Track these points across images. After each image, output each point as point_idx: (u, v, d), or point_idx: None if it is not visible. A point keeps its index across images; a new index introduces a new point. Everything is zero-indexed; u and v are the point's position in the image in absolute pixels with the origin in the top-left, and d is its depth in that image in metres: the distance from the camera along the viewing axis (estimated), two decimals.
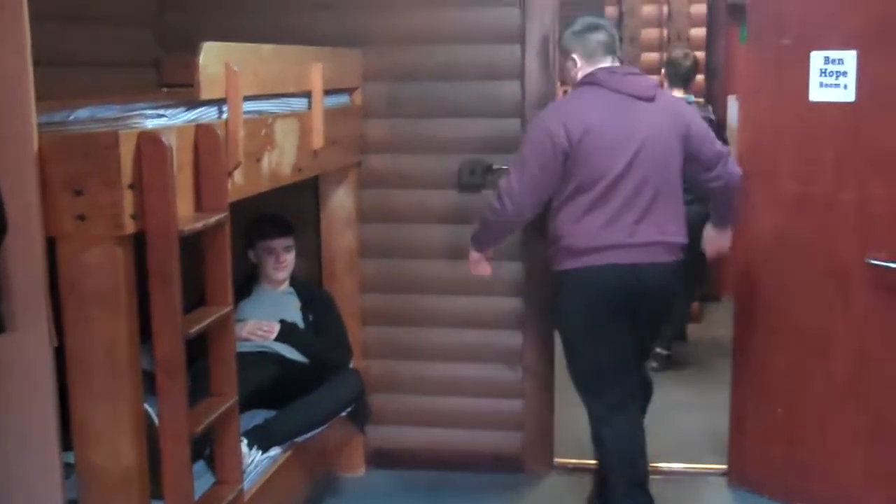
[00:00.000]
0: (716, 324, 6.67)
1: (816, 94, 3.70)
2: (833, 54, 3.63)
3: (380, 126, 4.24)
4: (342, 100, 4.02)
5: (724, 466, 4.28)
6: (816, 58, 3.68)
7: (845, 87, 3.63)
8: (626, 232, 3.48)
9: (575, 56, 3.64)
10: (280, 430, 3.43)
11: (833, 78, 3.65)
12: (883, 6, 3.57)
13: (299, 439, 3.54)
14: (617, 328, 3.57)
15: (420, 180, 4.26)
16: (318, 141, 3.53)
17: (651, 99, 3.55)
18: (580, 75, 3.63)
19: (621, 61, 3.75)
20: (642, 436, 3.74)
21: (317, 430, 3.62)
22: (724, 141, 4.66)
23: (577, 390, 3.74)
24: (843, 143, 3.70)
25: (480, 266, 3.88)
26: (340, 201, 4.22)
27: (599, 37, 3.61)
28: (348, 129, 4.05)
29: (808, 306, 3.87)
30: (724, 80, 6.94)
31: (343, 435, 4.13)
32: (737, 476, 4.20)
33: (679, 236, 3.61)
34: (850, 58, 3.61)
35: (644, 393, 3.93)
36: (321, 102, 3.54)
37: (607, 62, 3.61)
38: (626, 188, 3.46)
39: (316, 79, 3.51)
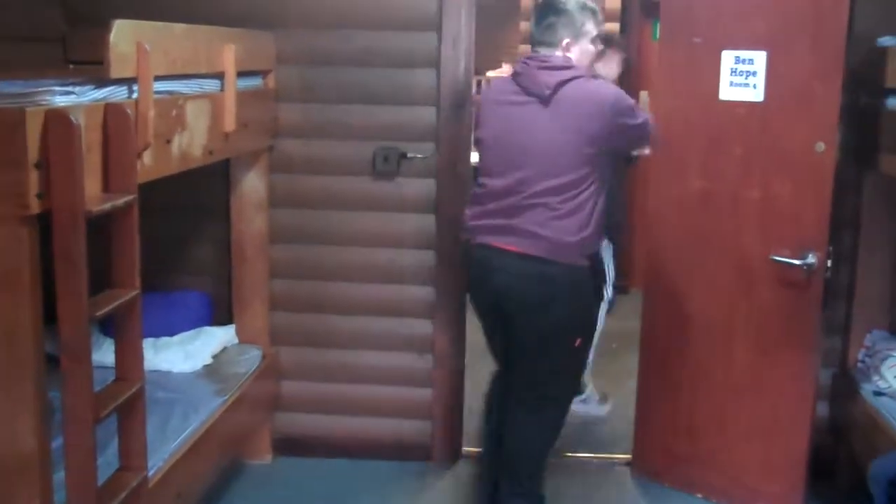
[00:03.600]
0: (624, 316, 6.74)
1: (726, 92, 3.77)
2: (743, 54, 3.71)
3: (293, 110, 4.20)
4: (255, 83, 3.97)
5: (629, 456, 4.35)
6: (727, 57, 3.75)
7: (755, 86, 3.71)
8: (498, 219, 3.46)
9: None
10: None
11: (743, 77, 3.72)
12: (791, 9, 3.65)
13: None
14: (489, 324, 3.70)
15: (333, 166, 4.23)
16: (229, 123, 3.49)
17: (545, 100, 3.38)
18: None
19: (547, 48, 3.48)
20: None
21: None
22: None
23: None
24: (750, 141, 3.77)
25: None
26: (251, 185, 4.17)
27: (533, 24, 3.54)
28: (261, 112, 4.01)
29: (713, 300, 3.95)
30: (636, 75, 7.03)
31: (249, 421, 4.09)
32: (640, 466, 4.28)
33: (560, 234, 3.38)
34: (760, 58, 3.68)
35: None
36: (234, 84, 3.50)
37: (538, 51, 3.48)
38: (505, 184, 3.42)
39: (228, 60, 3.46)
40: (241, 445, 4.11)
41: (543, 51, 3.48)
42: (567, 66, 3.42)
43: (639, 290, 6.18)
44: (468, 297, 3.74)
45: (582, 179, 3.36)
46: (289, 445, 4.39)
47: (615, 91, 3.48)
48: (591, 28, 3.48)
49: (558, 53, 3.46)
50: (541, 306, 3.42)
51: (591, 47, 3.52)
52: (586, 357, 3.78)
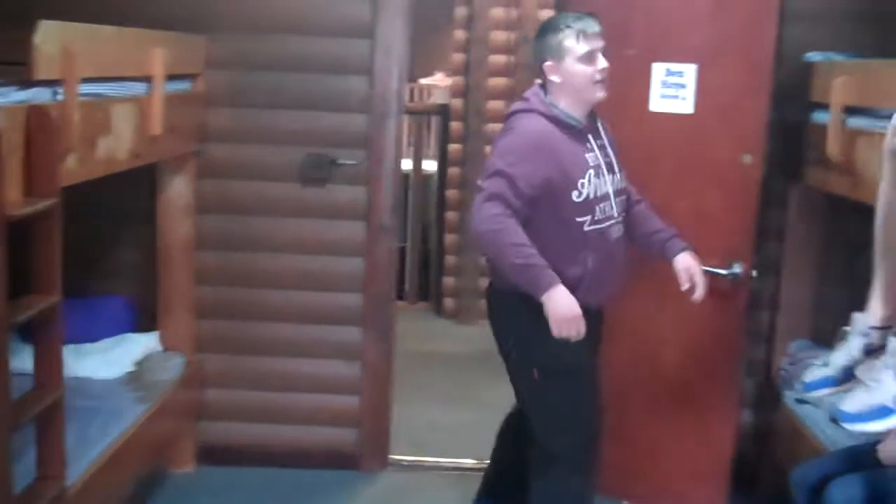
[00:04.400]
0: None
1: (657, 104, 3.80)
2: (674, 67, 3.74)
3: (223, 115, 4.15)
4: (183, 86, 3.91)
5: None
6: (658, 69, 3.78)
7: (684, 98, 3.75)
8: None
9: None
10: None
11: (673, 90, 3.76)
12: (721, 23, 3.70)
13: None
14: None
15: (262, 172, 4.19)
16: (156, 127, 3.43)
17: None
18: None
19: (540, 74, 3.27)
20: None
21: None
22: None
23: None
24: (680, 153, 3.81)
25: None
26: (178, 190, 4.10)
27: None
28: (189, 116, 3.95)
29: (642, 309, 3.97)
30: None
31: (172, 429, 4.03)
32: None
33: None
34: (690, 71, 3.72)
35: None
36: (162, 88, 3.44)
37: None
38: None
39: (157, 64, 3.41)
40: (163, 454, 4.05)
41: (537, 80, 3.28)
42: (522, 99, 3.26)
43: None
44: None
45: None
46: (213, 454, 4.32)
47: (507, 143, 3.16)
48: (572, 45, 3.12)
49: (540, 81, 3.25)
50: (490, 325, 3.39)
51: (581, 67, 3.15)
52: (561, 401, 3.29)
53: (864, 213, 2.79)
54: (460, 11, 6.74)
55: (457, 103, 6.82)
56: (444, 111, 7.05)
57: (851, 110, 3.38)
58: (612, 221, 3.26)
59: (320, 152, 4.15)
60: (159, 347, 4.14)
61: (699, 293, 3.37)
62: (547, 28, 3.21)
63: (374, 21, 4.09)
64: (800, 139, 3.86)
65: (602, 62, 3.18)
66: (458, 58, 6.78)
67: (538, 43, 3.22)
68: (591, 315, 3.19)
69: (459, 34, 6.76)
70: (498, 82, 6.73)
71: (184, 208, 4.13)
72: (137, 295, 4.25)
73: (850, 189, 3.34)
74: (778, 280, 4.17)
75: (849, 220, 3.90)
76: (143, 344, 4.06)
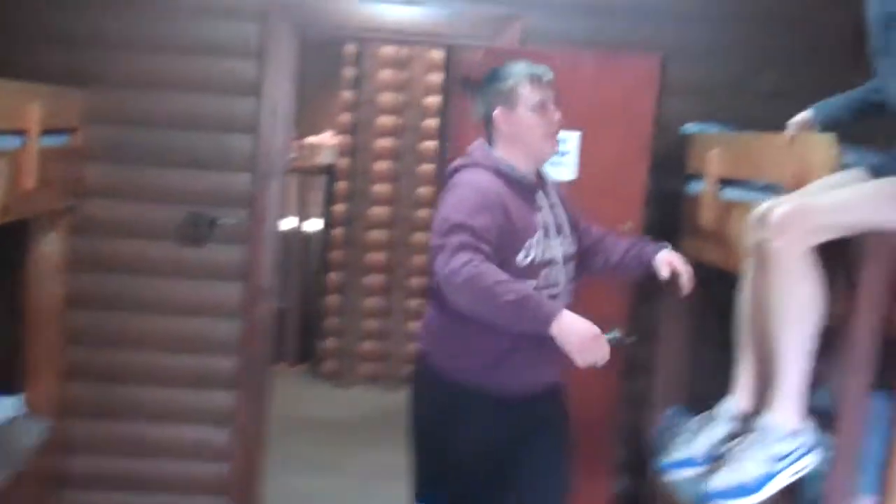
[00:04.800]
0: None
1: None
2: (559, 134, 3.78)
3: (101, 171, 4.06)
4: (60, 140, 3.80)
5: None
6: None
7: (567, 165, 3.79)
8: None
9: None
10: None
11: (556, 156, 3.79)
12: (603, 94, 3.77)
13: None
14: None
15: (140, 230, 4.10)
16: (29, 182, 3.33)
17: None
18: None
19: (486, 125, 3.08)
20: None
21: None
22: None
23: None
24: None
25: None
26: (50, 247, 3.97)
27: None
28: (64, 171, 3.85)
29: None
30: (456, 148, 7.09)
31: (33, 499, 3.86)
32: None
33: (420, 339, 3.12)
34: (573, 138, 3.77)
35: None
36: (36, 142, 3.34)
37: None
38: None
39: (32, 117, 3.31)
40: None
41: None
42: (466, 155, 3.05)
43: None
44: None
45: (435, 284, 2.88)
46: None
47: (456, 197, 2.86)
48: (525, 92, 2.91)
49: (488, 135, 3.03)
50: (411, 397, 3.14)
51: (533, 117, 2.93)
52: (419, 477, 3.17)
53: (739, 280, 2.83)
54: (348, 72, 6.76)
55: (343, 163, 6.80)
56: (330, 171, 7.02)
57: (726, 181, 3.47)
58: (558, 290, 2.95)
59: (201, 211, 4.08)
60: (23, 411, 3.97)
61: (684, 284, 3.05)
62: (497, 75, 2.98)
63: (261, 79, 4.06)
64: (676, 209, 3.94)
65: (555, 114, 2.98)
66: (345, 118, 6.78)
67: (487, 90, 2.99)
68: (537, 401, 2.92)
69: (347, 94, 6.76)
70: (385, 143, 6.75)
71: (55, 266, 4.00)
72: (1, 356, 4.07)
73: (724, 259, 3.40)
74: (654, 346, 4.22)
75: (724, 288, 3.97)
76: (5, 407, 3.89)
